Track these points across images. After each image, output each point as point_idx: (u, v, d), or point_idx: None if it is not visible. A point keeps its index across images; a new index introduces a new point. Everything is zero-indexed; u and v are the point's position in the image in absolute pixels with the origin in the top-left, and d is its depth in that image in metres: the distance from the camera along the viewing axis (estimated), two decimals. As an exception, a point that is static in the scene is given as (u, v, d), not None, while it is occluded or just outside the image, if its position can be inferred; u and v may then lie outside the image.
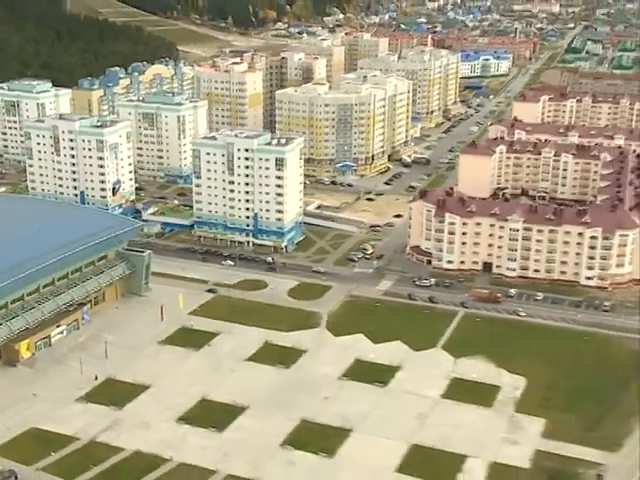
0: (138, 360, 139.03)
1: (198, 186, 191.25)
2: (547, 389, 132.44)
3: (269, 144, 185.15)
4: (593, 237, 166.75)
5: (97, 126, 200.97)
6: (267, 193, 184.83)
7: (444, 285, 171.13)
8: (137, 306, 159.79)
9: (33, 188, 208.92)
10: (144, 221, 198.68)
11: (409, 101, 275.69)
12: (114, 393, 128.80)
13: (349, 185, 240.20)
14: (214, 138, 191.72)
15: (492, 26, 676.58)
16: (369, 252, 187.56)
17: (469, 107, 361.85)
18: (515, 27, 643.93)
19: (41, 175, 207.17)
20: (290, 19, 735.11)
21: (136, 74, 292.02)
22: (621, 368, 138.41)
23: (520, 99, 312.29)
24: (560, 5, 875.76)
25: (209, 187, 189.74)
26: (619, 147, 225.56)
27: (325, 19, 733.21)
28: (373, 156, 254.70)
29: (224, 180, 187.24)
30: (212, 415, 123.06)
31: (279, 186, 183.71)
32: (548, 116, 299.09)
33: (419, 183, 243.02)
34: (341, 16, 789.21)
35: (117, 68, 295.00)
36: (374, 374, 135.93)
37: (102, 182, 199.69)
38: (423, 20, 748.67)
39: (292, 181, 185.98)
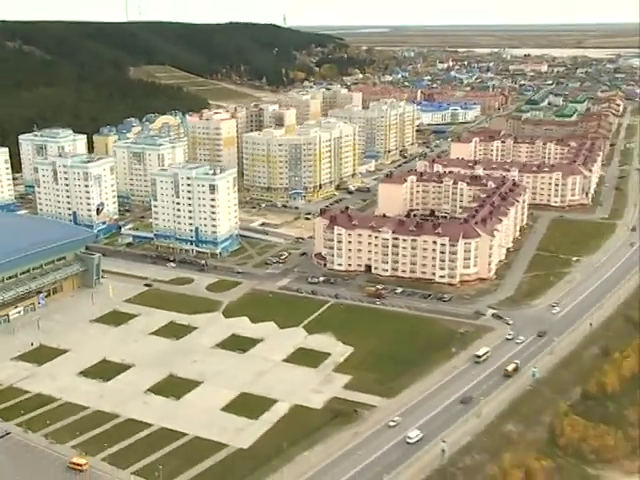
0: (69, 333, 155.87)
1: (155, 206, 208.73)
2: (366, 355, 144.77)
3: (207, 174, 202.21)
4: (443, 244, 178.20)
5: (85, 162, 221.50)
6: (204, 211, 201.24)
7: (330, 282, 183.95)
8: (86, 295, 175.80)
9: (40, 209, 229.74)
10: (120, 234, 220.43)
11: (354, 142, 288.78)
12: (40, 355, 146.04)
13: (296, 208, 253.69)
14: (165, 170, 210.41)
15: (482, 82, 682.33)
16: (283, 257, 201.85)
17: (427, 147, 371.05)
18: (493, 83, 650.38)
19: (46, 199, 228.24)
20: (317, 78, 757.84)
21: (147, 123, 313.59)
22: (431, 340, 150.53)
23: (456, 140, 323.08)
24: (548, 65, 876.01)
25: (163, 207, 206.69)
26: (504, 177, 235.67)
27: (345, 78, 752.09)
28: (320, 185, 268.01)
29: (172, 202, 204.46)
30: (104, 371, 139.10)
31: (212, 206, 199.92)
32: (479, 154, 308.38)
33: (353, 206, 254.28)
34: (360, 76, 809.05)
35: (132, 118, 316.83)
36: (240, 344, 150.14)
37: (88, 204, 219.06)
38: (428, 78, 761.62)
39: (224, 202, 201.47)
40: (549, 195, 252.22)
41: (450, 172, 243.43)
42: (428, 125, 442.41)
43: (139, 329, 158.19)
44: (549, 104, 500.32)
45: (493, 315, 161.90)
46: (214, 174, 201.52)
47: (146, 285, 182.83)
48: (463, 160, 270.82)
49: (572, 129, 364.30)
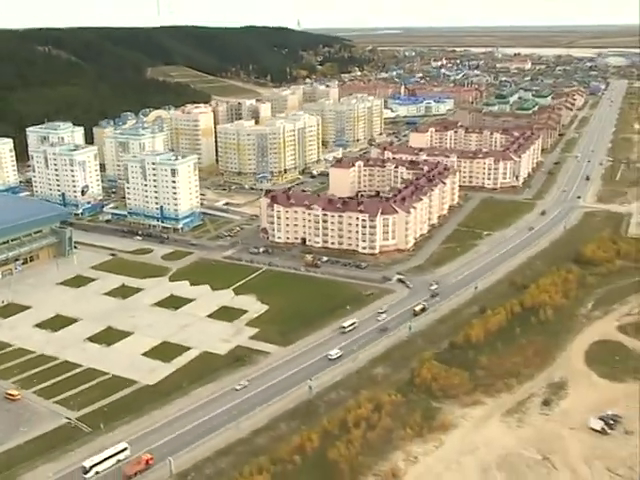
0: (35, 293, 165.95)
1: (128, 188, 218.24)
2: (277, 313, 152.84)
3: (169, 160, 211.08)
4: (364, 220, 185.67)
5: (71, 150, 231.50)
6: (167, 192, 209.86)
7: (268, 252, 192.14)
8: (59, 263, 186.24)
9: (36, 191, 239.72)
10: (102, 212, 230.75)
11: (319, 131, 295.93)
12: (7, 310, 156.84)
13: (261, 190, 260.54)
14: (135, 156, 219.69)
15: (467, 79, 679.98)
16: (234, 232, 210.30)
17: (396, 137, 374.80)
18: (471, 79, 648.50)
19: (40, 183, 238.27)
20: (318, 76, 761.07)
21: (142, 116, 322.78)
22: (338, 301, 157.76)
23: (414, 130, 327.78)
24: (532, 63, 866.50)
25: (134, 188, 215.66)
26: (438, 162, 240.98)
27: (343, 75, 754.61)
28: (285, 170, 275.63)
29: (141, 183, 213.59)
30: (55, 323, 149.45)
31: (174, 187, 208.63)
32: (435, 142, 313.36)
33: (312, 188, 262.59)
34: (359, 73, 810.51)
35: (129, 112, 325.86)
36: (174, 303, 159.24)
37: (74, 187, 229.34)
38: (419, 75, 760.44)
39: (184, 184, 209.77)
40: (483, 178, 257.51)
41: (393, 158, 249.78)
42: (404, 117, 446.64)
43: (94, 290, 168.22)
44: (519, 98, 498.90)
45: (398, 280, 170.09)
46: (176, 160, 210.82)
47: (111, 255, 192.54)
48: (410, 147, 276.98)
49: (526, 121, 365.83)
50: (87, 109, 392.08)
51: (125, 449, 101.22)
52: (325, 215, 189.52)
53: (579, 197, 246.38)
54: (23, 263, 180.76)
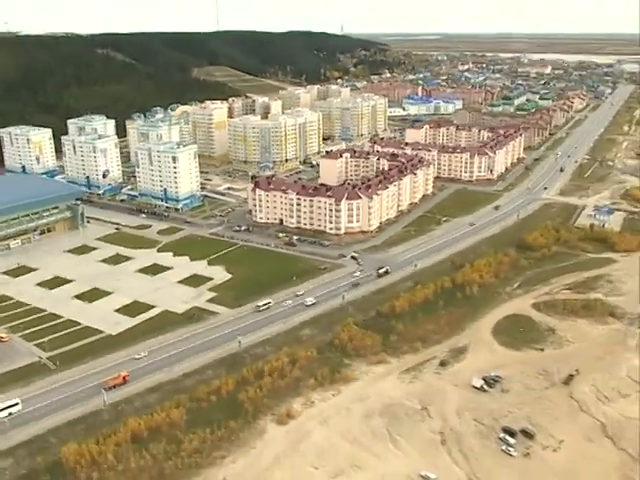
0: (45, 258, 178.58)
1: (138, 172, 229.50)
2: (238, 281, 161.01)
3: (172, 148, 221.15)
4: (330, 204, 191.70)
5: (94, 139, 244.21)
6: (169, 176, 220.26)
7: (248, 230, 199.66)
8: (72, 234, 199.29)
9: (67, 174, 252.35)
10: (120, 193, 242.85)
11: (319, 126, 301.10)
12: (18, 271, 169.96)
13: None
14: (144, 145, 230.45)
15: (486, 81, 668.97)
16: (225, 212, 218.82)
17: (400, 133, 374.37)
18: (485, 82, 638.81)
19: (70, 167, 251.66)
20: (350, 77, 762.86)
21: (169, 111, 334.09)
22: (294, 273, 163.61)
23: (410, 127, 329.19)
24: (552, 68, 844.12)
25: (143, 173, 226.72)
26: (415, 155, 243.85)
27: (372, 76, 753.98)
28: (287, 159, 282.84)
29: (149, 168, 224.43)
30: (53, 283, 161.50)
31: (175, 172, 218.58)
32: (429, 138, 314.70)
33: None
34: (388, 75, 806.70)
35: (158, 107, 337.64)
36: (154, 270, 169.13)
37: (96, 170, 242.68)
38: (444, 77, 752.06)
39: (184, 169, 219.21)
40: (460, 171, 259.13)
41: (377, 151, 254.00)
42: (414, 115, 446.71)
43: (92, 257, 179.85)
44: (527, 100, 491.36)
45: (351, 257, 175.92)
46: (178, 148, 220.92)
47: (116, 229, 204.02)
48: (398, 142, 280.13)
49: (521, 121, 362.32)
50: (130, 104, 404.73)
51: (17, 404, 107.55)
52: (299, 199, 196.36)
53: (546, 188, 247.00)
54: (41, 233, 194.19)
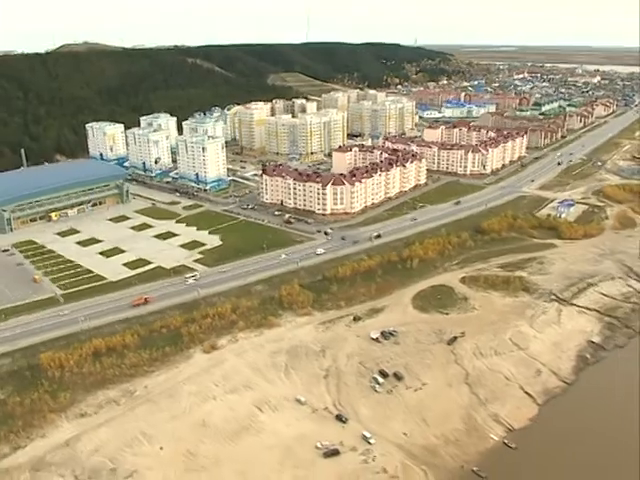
0: (89, 224, 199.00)
1: (178, 159, 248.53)
2: (225, 247, 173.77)
3: (202, 140, 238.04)
4: (318, 188, 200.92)
5: (148, 132, 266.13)
6: (199, 163, 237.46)
7: (253, 209, 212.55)
8: (117, 207, 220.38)
9: (129, 160, 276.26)
10: (168, 176, 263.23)
11: (343, 124, 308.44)
12: (66, 232, 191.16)
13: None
14: (182, 139, 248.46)
15: (532, 89, 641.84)
16: (242, 194, 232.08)
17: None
18: (531, 90, 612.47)
19: (131, 154, 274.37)
20: (410, 83, 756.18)
21: (226, 110, 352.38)
22: (269, 242, 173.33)
23: (427, 127, 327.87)
24: (600, 79, 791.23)
25: (181, 160, 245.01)
26: (412, 150, 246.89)
27: (429, 83, 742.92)
28: (312, 152, 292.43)
29: (185, 156, 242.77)
30: (88, 242, 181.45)
31: (203, 160, 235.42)
32: (445, 137, 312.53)
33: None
34: (445, 82, 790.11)
35: (216, 107, 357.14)
36: (166, 236, 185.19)
37: (150, 158, 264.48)
38: (495, 85, 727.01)
39: (212, 158, 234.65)
40: (456, 166, 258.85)
41: (382, 146, 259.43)
42: (448, 117, 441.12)
43: (124, 225, 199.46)
44: (559, 107, 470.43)
45: (324, 232, 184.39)
46: (207, 140, 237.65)
47: (152, 204, 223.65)
48: (405, 138, 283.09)
49: (537, 124, 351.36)
50: (202, 105, 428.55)
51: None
52: (294, 184, 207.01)
53: (532, 180, 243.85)
54: (93, 205, 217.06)
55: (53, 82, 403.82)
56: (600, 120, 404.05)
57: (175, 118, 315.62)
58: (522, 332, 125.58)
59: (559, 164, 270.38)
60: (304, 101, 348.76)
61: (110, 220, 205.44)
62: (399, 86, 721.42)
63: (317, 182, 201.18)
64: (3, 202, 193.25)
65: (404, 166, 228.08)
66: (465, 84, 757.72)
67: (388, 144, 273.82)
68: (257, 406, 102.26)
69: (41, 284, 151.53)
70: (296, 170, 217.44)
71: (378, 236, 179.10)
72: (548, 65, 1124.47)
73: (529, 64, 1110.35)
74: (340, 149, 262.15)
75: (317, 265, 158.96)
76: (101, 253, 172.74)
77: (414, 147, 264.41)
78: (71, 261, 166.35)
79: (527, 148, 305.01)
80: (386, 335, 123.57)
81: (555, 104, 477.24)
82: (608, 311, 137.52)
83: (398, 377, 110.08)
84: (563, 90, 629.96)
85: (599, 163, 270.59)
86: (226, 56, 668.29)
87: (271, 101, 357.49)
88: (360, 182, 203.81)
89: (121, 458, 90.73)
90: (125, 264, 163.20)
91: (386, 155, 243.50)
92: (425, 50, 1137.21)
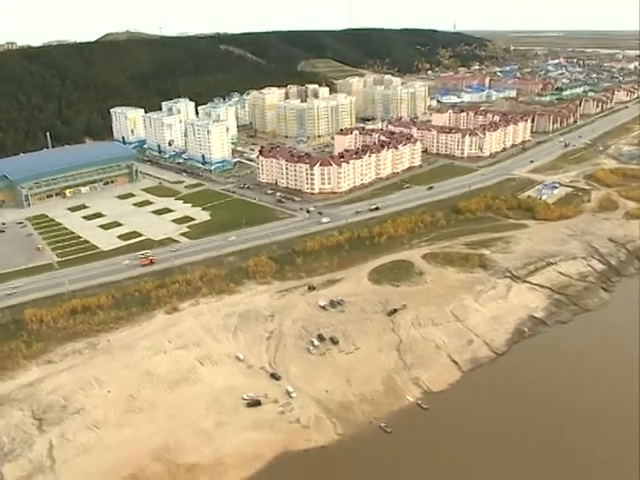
0: (99, 201, 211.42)
1: (187, 142, 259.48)
2: (213, 222, 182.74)
3: (207, 124, 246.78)
4: (307, 169, 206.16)
5: (162, 116, 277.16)
6: (205, 145, 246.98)
7: (249, 188, 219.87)
8: (126, 186, 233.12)
9: (146, 142, 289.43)
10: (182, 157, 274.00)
11: (351, 108, 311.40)
12: (77, 208, 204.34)
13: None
14: (190, 122, 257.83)
15: (562, 74, 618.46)
16: (242, 174, 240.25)
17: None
18: (551, 74, 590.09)
19: (147, 137, 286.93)
20: (441, 68, 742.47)
21: (244, 95, 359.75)
22: (258, 219, 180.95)
23: (435, 112, 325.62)
24: (638, 64, 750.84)
25: (190, 142, 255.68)
26: (408, 133, 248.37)
27: (460, 68, 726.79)
28: (319, 135, 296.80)
29: (192, 139, 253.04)
30: (92, 216, 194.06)
31: (208, 142, 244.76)
32: (452, 121, 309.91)
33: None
34: (477, 67, 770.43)
35: (235, 92, 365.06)
36: (162, 212, 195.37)
37: (163, 140, 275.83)
38: (527, 70, 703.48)
39: (217, 140, 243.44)
40: (454, 148, 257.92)
41: (381, 129, 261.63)
42: (467, 103, 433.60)
43: (129, 202, 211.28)
44: (584, 92, 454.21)
45: (307, 210, 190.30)
46: (211, 124, 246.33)
47: (159, 182, 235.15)
48: (405, 122, 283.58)
49: (550, 109, 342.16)
50: (226, 90, 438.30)
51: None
52: (287, 164, 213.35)
53: (531, 161, 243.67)
54: (105, 184, 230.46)
55: (89, 69, 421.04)
56: (620, 105, 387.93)
57: (193, 103, 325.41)
58: (465, 305, 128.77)
59: (566, 146, 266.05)
60: (317, 86, 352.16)
61: (117, 197, 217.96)
62: (429, 71, 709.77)
63: (306, 163, 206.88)
64: (22, 179, 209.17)
65: (396, 148, 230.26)
66: (497, 69, 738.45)
67: (390, 127, 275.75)
68: (200, 361, 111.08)
69: (43, 252, 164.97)
70: (289, 152, 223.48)
71: (376, 208, 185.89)
72: (589, 50, 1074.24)
73: (569, 49, 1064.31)
74: (341, 132, 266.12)
75: (289, 240, 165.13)
76: (101, 226, 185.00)
77: (414, 130, 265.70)
78: (73, 233, 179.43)
79: (535, 132, 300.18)
80: (334, 304, 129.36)
81: (579, 89, 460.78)
82: (560, 289, 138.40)
83: (334, 341, 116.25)
84: (594, 75, 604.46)
85: (601, 148, 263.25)
86: (259, 43, 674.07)
87: (285, 86, 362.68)
88: (348, 163, 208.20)
89: (73, 398, 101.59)
90: (119, 236, 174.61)
91: (383, 138, 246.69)
92: (463, 35, 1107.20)
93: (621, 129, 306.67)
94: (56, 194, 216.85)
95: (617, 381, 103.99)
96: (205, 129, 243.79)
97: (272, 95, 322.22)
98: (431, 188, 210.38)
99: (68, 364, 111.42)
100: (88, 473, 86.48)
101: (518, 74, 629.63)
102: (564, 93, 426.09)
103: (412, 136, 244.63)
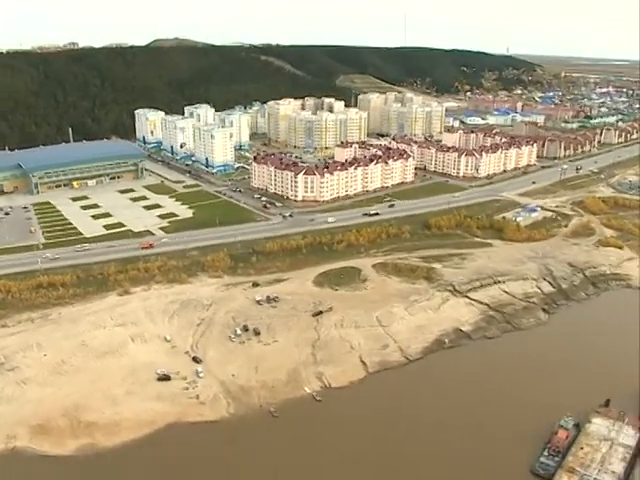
0: (102, 194, 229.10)
1: (194, 144, 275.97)
2: (194, 219, 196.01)
3: (212, 129, 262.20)
4: (291, 176, 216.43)
5: (175, 120, 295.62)
6: (208, 149, 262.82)
7: (239, 191, 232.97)
8: (132, 181, 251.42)
9: (162, 143, 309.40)
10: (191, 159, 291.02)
11: (361, 122, 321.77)
12: (79, 199, 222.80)
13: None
14: (197, 126, 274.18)
15: (603, 104, 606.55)
16: (239, 178, 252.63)
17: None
18: (584, 102, 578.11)
19: (163, 138, 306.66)
20: (482, 91, 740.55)
21: (265, 105, 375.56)
22: (237, 219, 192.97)
23: (446, 132, 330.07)
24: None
25: (196, 145, 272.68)
26: (403, 149, 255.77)
27: (501, 92, 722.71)
28: (327, 147, 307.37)
29: (200, 142, 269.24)
30: (90, 207, 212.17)
31: (211, 146, 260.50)
32: (462, 142, 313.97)
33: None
34: (519, 92, 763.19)
35: (256, 101, 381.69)
36: (153, 207, 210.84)
37: (176, 142, 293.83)
38: (569, 97, 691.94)
39: (220, 145, 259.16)
40: (450, 167, 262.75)
41: (380, 145, 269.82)
42: (491, 125, 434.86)
43: (127, 196, 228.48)
44: (616, 121, 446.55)
45: (282, 216, 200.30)
46: (216, 129, 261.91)
47: (161, 181, 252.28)
48: (408, 139, 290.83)
49: (568, 135, 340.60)
50: (254, 99, 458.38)
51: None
52: (275, 171, 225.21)
53: (532, 183, 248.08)
54: (111, 179, 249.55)
55: (129, 72, 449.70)
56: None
57: (213, 109, 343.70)
58: (392, 312, 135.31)
59: (577, 170, 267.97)
60: (332, 100, 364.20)
61: (118, 192, 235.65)
62: (468, 93, 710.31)
63: (291, 171, 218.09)
64: (34, 169, 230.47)
65: (386, 163, 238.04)
66: (538, 95, 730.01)
67: (393, 143, 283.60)
68: (132, 338, 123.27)
69: (34, 234, 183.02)
70: (280, 160, 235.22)
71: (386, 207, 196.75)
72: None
73: (624, 78, 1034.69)
74: (341, 145, 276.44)
75: (253, 240, 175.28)
76: (93, 216, 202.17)
77: (414, 148, 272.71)
78: (66, 219, 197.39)
79: (544, 157, 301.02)
80: (269, 299, 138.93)
81: (612, 118, 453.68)
82: (498, 306, 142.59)
83: (256, 332, 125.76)
84: (637, 106, 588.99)
85: (603, 176, 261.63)
86: (302, 56, 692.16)
87: (303, 98, 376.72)
88: (331, 174, 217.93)
89: (12, 357, 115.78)
90: (105, 225, 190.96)
91: (379, 152, 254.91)
92: (513, 59, 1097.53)
93: (635, 160, 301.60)
94: (64, 185, 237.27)
95: (511, 399, 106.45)
96: (209, 133, 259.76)
97: (287, 106, 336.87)
98: (392, 206, 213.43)
99: (19, 329, 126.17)
100: (4, 420, 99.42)
101: (557, 100, 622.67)
102: (592, 121, 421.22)
103: (405, 152, 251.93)
